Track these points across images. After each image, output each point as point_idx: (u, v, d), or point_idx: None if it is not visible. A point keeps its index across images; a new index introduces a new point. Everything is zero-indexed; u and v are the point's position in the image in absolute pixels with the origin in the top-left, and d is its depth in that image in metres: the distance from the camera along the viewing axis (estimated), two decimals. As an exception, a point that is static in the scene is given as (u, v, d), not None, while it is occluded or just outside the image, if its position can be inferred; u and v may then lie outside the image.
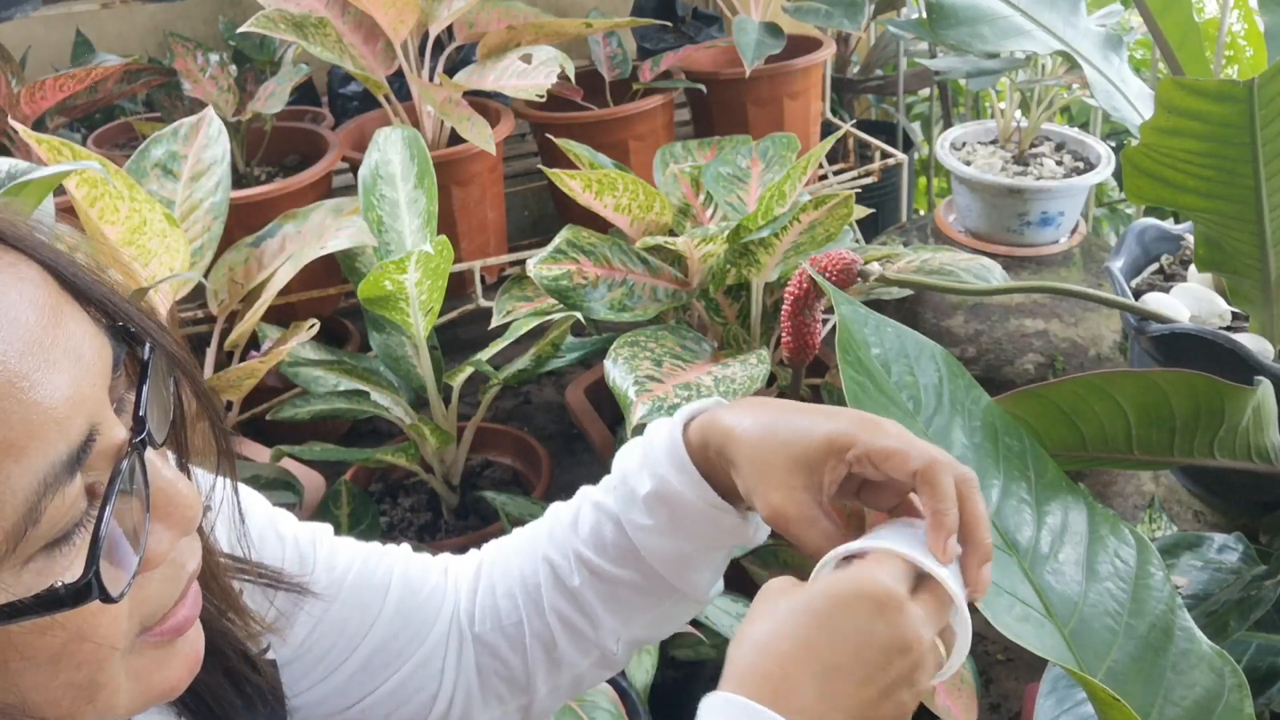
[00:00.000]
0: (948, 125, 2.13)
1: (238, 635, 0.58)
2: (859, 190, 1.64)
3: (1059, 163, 1.67)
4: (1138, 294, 1.14)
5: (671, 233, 1.31)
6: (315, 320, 1.25)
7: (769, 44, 1.64)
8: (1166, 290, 1.13)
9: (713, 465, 0.62)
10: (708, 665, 1.18)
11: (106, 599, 0.41)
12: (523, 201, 1.98)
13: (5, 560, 0.39)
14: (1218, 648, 0.67)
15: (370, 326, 1.34)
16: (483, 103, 1.66)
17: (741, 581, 1.12)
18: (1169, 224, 1.24)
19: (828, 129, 1.97)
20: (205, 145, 1.32)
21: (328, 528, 0.71)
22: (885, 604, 0.51)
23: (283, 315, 1.43)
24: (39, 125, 1.54)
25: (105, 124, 1.78)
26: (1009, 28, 1.08)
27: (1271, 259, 0.96)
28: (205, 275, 1.29)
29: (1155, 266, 1.20)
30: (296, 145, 1.73)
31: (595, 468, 1.24)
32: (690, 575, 0.65)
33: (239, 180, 1.62)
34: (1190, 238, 1.20)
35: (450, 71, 1.57)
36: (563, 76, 1.40)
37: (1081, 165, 1.66)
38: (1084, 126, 1.93)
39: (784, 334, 1.07)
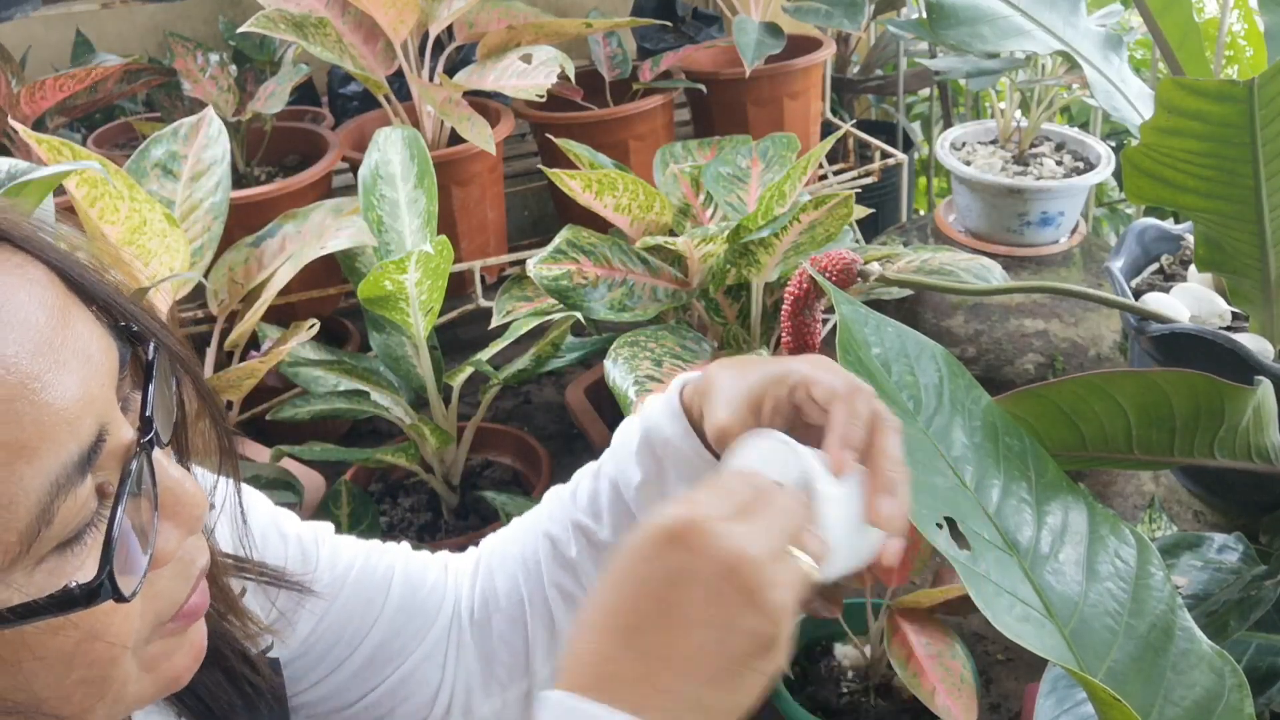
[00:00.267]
0: (948, 125, 2.13)
1: (236, 636, 0.58)
2: (859, 190, 1.64)
3: (1059, 163, 1.67)
4: (1138, 294, 1.14)
5: (671, 233, 1.31)
6: (315, 320, 1.25)
7: (769, 44, 1.64)
8: (1166, 290, 1.13)
9: (701, 420, 0.63)
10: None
11: (120, 598, 0.41)
12: (523, 201, 1.98)
13: (19, 561, 0.39)
14: (1218, 648, 0.67)
15: (370, 326, 1.34)
16: (483, 103, 1.66)
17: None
18: (1169, 224, 1.24)
19: (828, 129, 1.97)
20: (205, 145, 1.32)
21: (329, 526, 0.71)
22: (675, 534, 0.47)
23: (283, 315, 1.43)
24: (39, 125, 1.54)
25: (105, 124, 1.78)
26: (1009, 28, 1.08)
27: (1271, 259, 0.96)
28: (205, 275, 1.29)
29: (1155, 266, 1.20)
30: (296, 145, 1.73)
31: (595, 468, 1.24)
32: None
33: (239, 180, 1.62)
34: (1190, 238, 1.20)
35: (450, 71, 1.57)
36: (563, 76, 1.40)
37: (1081, 165, 1.66)
38: (1084, 126, 1.93)
39: (784, 334, 1.07)
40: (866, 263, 1.04)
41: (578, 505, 0.69)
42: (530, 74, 1.42)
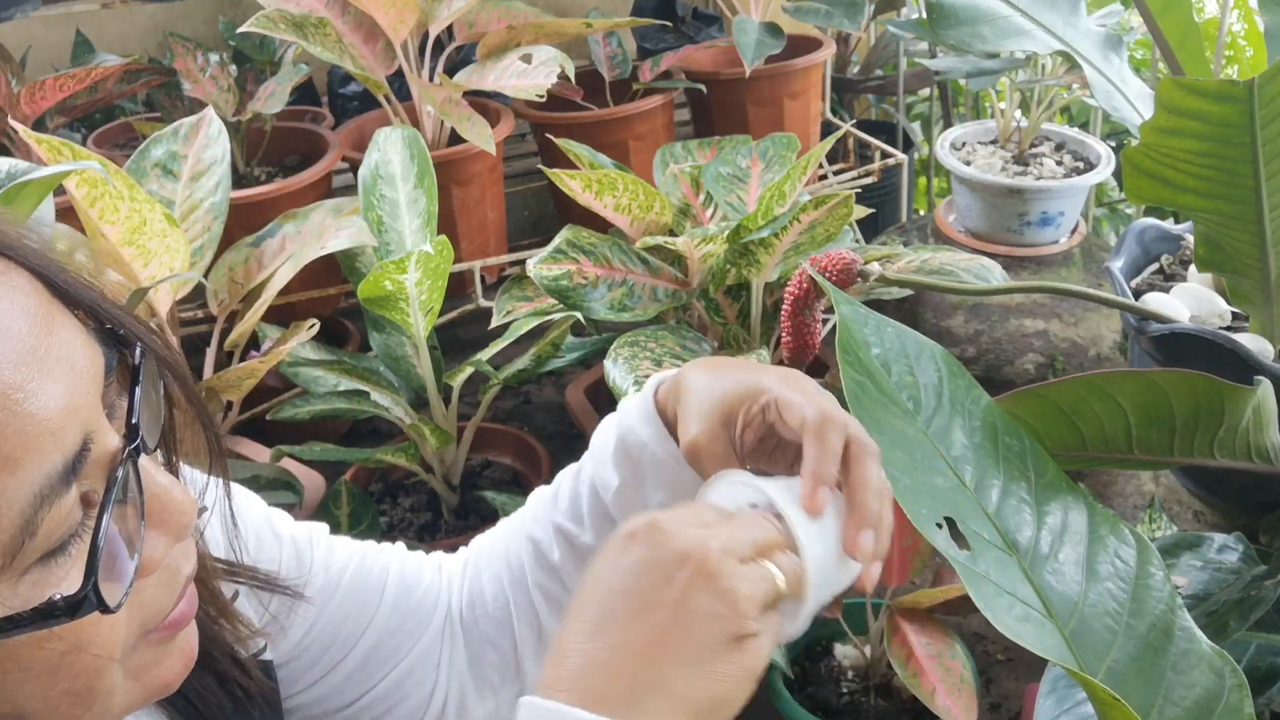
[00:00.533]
0: (948, 125, 2.13)
1: (228, 640, 0.58)
2: (859, 190, 1.64)
3: (1059, 163, 1.67)
4: (1138, 294, 1.14)
5: (671, 233, 1.31)
6: (315, 320, 1.25)
7: (769, 44, 1.64)
8: (1166, 290, 1.13)
9: (674, 422, 0.63)
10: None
11: (105, 610, 0.40)
12: (523, 201, 1.98)
13: (2, 573, 0.39)
14: (1218, 648, 0.67)
15: (370, 326, 1.34)
16: (483, 103, 1.66)
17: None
18: (1169, 224, 1.24)
19: (828, 129, 1.97)
20: (205, 145, 1.32)
21: (324, 527, 0.71)
22: (634, 532, 0.49)
23: (283, 315, 1.43)
24: (39, 125, 1.54)
25: (105, 124, 1.78)
26: (1009, 28, 1.08)
27: (1271, 259, 0.96)
28: (205, 275, 1.29)
29: (1155, 266, 1.20)
30: (296, 145, 1.73)
31: (595, 468, 1.24)
32: None
33: (239, 180, 1.62)
34: (1190, 238, 1.20)
35: (450, 71, 1.57)
36: (563, 76, 1.40)
37: (1081, 165, 1.66)
38: (1084, 126, 1.93)
39: (784, 334, 1.07)
40: (866, 263, 1.04)
41: (559, 508, 0.69)
42: (530, 74, 1.42)
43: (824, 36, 1.84)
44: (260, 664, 0.61)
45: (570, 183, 1.23)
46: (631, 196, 1.25)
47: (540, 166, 1.40)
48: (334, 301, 1.63)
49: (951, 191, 1.73)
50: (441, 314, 1.44)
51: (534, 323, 1.28)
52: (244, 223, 1.40)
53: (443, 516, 1.42)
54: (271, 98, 1.59)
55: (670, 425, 0.63)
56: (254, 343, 1.34)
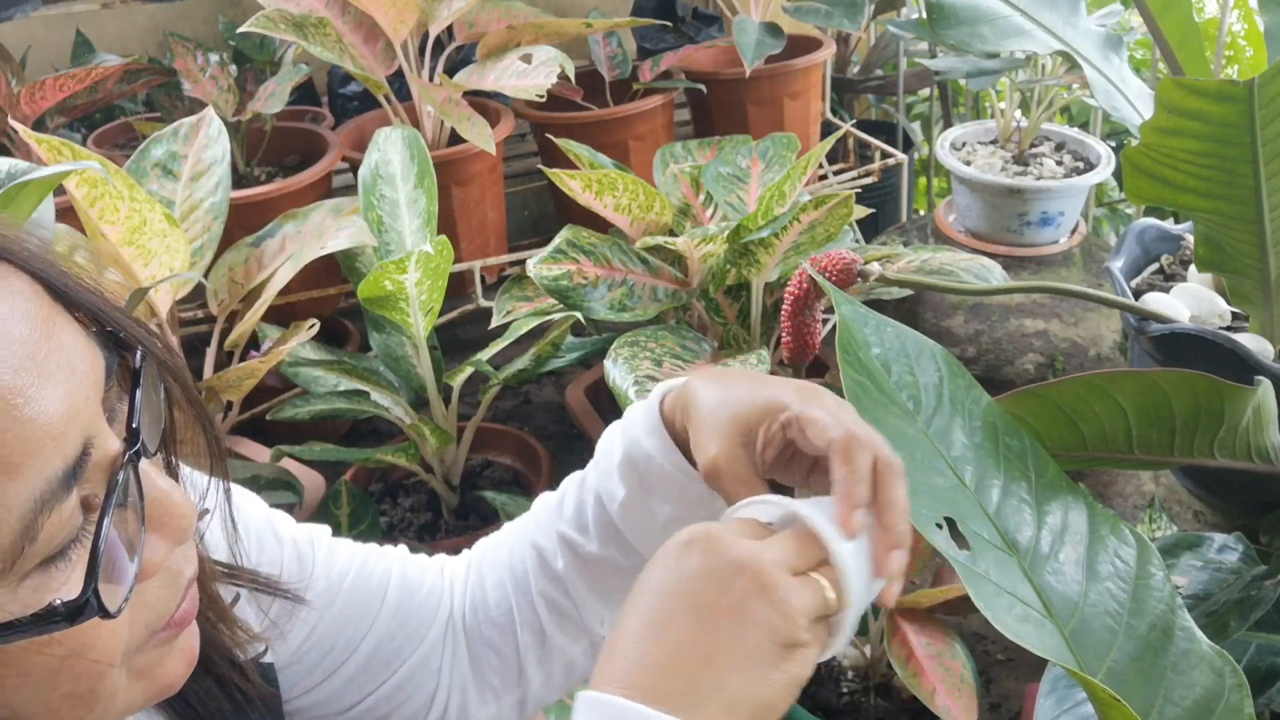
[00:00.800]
0: (948, 125, 2.13)
1: (226, 643, 0.58)
2: (859, 190, 1.64)
3: (1059, 163, 1.67)
4: (1138, 294, 1.14)
5: (671, 233, 1.31)
6: (315, 320, 1.25)
7: (769, 44, 1.64)
8: (1166, 290, 1.13)
9: (682, 433, 0.62)
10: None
11: (105, 615, 0.40)
12: (523, 201, 1.98)
13: (2, 579, 0.39)
14: (1218, 648, 0.67)
15: (370, 326, 1.34)
16: (483, 103, 1.66)
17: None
18: (1169, 224, 1.24)
19: (828, 129, 1.97)
20: (205, 145, 1.32)
21: (325, 529, 0.71)
22: (691, 541, 0.50)
23: (283, 315, 1.43)
24: (39, 125, 1.54)
25: (105, 124, 1.78)
26: (1009, 28, 1.08)
27: (1271, 259, 0.96)
28: (205, 275, 1.29)
29: (1155, 266, 1.20)
30: (296, 145, 1.73)
31: (595, 468, 1.24)
32: None
33: (239, 180, 1.62)
34: (1190, 238, 1.20)
35: (450, 71, 1.57)
36: (563, 76, 1.40)
37: (1081, 165, 1.66)
38: (1084, 126, 1.93)
39: (784, 334, 1.07)
40: (866, 263, 1.04)
41: (564, 517, 0.68)
42: (530, 74, 1.42)
43: (824, 36, 1.84)
44: (260, 667, 0.61)
45: (570, 183, 1.23)
46: (631, 196, 1.25)
47: (540, 166, 1.40)
48: (334, 301, 1.63)
49: (951, 191, 1.73)
50: (441, 314, 1.44)
51: (534, 323, 1.28)
52: (244, 223, 1.40)
53: (443, 516, 1.42)
54: (271, 98, 1.59)
55: (677, 437, 0.63)
56: (254, 343, 1.34)
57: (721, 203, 1.33)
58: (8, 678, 0.40)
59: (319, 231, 1.32)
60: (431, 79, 1.57)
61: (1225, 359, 0.95)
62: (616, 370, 1.08)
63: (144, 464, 0.43)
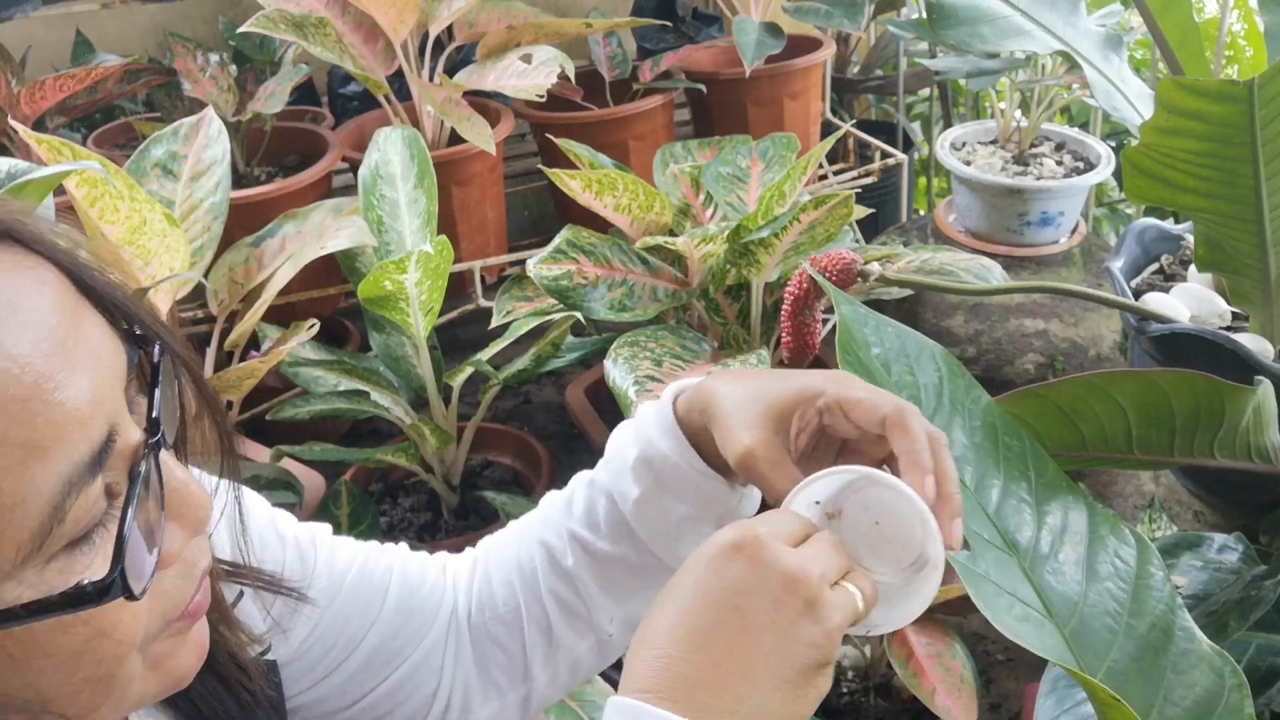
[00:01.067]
0: (948, 125, 2.13)
1: (230, 643, 0.58)
2: (859, 190, 1.64)
3: (1059, 163, 1.67)
4: (1138, 294, 1.14)
5: (671, 233, 1.31)
6: (315, 320, 1.25)
7: (769, 44, 1.64)
8: (1166, 290, 1.13)
9: (698, 433, 0.63)
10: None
11: (130, 595, 0.41)
12: (523, 201, 1.98)
13: (31, 559, 0.40)
14: (1218, 648, 0.67)
15: (370, 326, 1.34)
16: (483, 103, 1.66)
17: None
18: (1169, 224, 1.24)
19: (828, 129, 1.97)
20: (205, 145, 1.32)
21: (327, 527, 0.71)
22: (740, 545, 0.50)
23: (283, 315, 1.43)
24: (39, 125, 1.54)
25: (105, 124, 1.78)
26: (1009, 28, 1.08)
27: (1271, 259, 0.96)
28: (205, 275, 1.29)
29: (1155, 266, 1.20)
30: (296, 145, 1.73)
31: (595, 468, 1.24)
32: (679, 550, 0.66)
33: (239, 180, 1.62)
34: (1190, 238, 1.20)
35: (450, 71, 1.57)
36: (563, 76, 1.40)
37: (1081, 165, 1.66)
38: (1084, 126, 1.93)
39: (784, 334, 1.07)
40: (866, 263, 1.04)
41: (573, 515, 0.69)
42: (530, 74, 1.42)
43: (824, 36, 1.85)
44: (264, 664, 0.61)
45: (570, 183, 1.23)
46: (631, 196, 1.25)
47: (540, 166, 1.40)
48: (334, 301, 1.63)
49: (951, 191, 1.73)
50: (441, 314, 1.44)
51: (534, 323, 1.28)
52: (244, 223, 1.40)
53: (443, 516, 1.42)
54: (271, 98, 1.59)
55: (692, 437, 0.63)
56: (254, 343, 1.34)
57: (721, 203, 1.33)
58: (33, 659, 0.41)
59: (319, 231, 1.32)
60: (431, 79, 1.57)
61: (1225, 359, 0.95)
62: (616, 370, 1.08)
63: (164, 455, 0.45)
